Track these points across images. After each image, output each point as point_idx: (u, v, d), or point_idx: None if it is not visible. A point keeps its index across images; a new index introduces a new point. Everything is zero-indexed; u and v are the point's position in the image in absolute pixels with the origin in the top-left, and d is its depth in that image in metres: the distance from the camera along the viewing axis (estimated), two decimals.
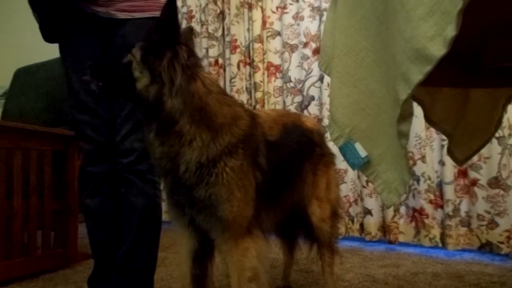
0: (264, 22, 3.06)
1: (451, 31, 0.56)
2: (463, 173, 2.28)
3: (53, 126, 2.38)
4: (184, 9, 3.48)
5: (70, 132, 2.17)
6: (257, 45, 3.09)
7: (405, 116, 0.69)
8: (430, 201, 2.36)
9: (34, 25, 1.47)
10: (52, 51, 1.76)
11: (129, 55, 1.10)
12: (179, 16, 3.41)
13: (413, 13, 0.61)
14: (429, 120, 1.25)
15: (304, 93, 2.87)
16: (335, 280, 1.49)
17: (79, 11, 1.42)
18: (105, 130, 1.48)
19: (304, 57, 2.85)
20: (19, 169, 2.00)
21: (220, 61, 3.30)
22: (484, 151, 2.12)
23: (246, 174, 1.12)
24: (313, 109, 2.83)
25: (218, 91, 1.14)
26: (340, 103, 0.89)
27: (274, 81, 3.01)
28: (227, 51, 3.24)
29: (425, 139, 2.39)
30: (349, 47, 0.86)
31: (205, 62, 3.34)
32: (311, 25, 2.83)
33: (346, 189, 2.63)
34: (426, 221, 2.35)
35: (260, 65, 3.07)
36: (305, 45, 2.85)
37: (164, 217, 1.63)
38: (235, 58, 3.18)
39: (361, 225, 2.61)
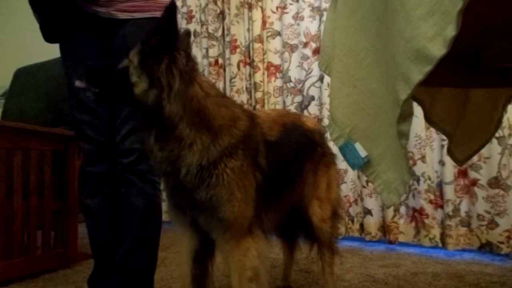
0: (264, 22, 3.06)
1: (451, 31, 0.56)
2: (463, 173, 2.28)
3: (53, 126, 2.38)
4: (184, 9, 3.48)
5: (70, 132, 2.17)
6: (257, 45, 3.09)
7: (405, 116, 0.69)
8: (430, 201, 2.36)
9: (34, 25, 1.47)
10: (52, 51, 1.76)
11: (125, 60, 1.10)
12: (179, 16, 3.42)
13: (413, 13, 0.61)
14: (429, 120, 1.25)
15: (304, 93, 2.87)
16: (335, 280, 1.49)
17: (79, 11, 1.42)
18: (105, 130, 1.48)
19: (304, 57, 2.85)
20: (19, 169, 2.00)
21: (220, 61, 3.30)
22: (484, 151, 2.12)
23: (246, 174, 1.12)
24: (313, 109, 2.83)
25: (216, 94, 1.15)
26: (340, 103, 0.89)
27: (274, 81, 3.01)
28: (227, 51, 3.24)
29: (425, 139, 2.39)
30: (349, 47, 0.86)
31: (205, 62, 3.35)
32: (311, 25, 2.83)
33: (346, 189, 2.63)
34: (426, 221, 2.35)
35: (260, 65, 3.07)
36: (305, 45, 2.85)
37: (164, 217, 1.63)
38: (235, 58, 3.18)
39: (361, 225, 2.61)
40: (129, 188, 1.46)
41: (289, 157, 1.33)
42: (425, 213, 2.36)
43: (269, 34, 3.03)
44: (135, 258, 1.45)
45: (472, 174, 2.26)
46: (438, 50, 0.58)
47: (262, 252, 1.14)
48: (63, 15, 1.43)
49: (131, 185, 1.45)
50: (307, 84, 2.85)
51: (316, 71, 2.80)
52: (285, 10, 2.95)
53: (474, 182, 2.25)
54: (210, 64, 3.31)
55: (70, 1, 1.40)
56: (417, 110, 1.22)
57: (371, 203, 2.53)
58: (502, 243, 2.14)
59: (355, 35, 0.84)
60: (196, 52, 3.40)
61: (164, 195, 1.39)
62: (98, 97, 1.16)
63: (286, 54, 2.94)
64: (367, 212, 2.54)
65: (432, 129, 2.34)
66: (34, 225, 2.09)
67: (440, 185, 2.34)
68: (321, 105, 2.77)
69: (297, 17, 2.90)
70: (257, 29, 3.09)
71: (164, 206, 1.59)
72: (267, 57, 3.03)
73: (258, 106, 3.03)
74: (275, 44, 3.02)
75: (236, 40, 3.18)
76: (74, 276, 2.06)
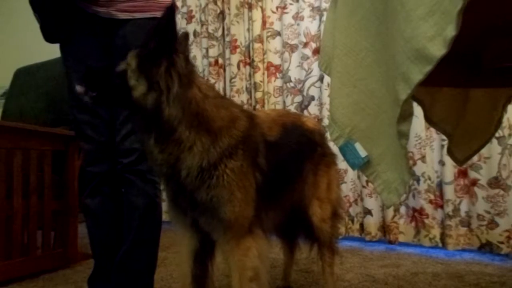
0: (264, 22, 3.06)
1: (451, 31, 0.56)
2: (463, 173, 2.28)
3: (53, 126, 2.38)
4: (184, 9, 3.48)
5: (70, 132, 2.17)
6: (257, 45, 3.09)
7: (405, 116, 0.69)
8: (430, 201, 2.36)
9: (34, 25, 1.47)
10: (52, 51, 1.76)
11: (123, 63, 1.09)
12: (179, 16, 3.42)
13: (413, 13, 0.61)
14: (429, 120, 1.25)
15: (304, 93, 2.87)
16: (335, 280, 1.49)
17: (80, 11, 1.42)
18: (105, 130, 1.48)
19: (304, 57, 2.85)
20: (19, 169, 2.00)
21: (220, 61, 3.30)
22: (484, 151, 2.12)
23: (246, 174, 1.13)
24: (313, 109, 2.83)
25: (215, 95, 1.15)
26: (340, 103, 0.89)
27: (274, 81, 3.01)
28: (227, 51, 3.24)
29: (425, 139, 2.39)
30: (349, 47, 0.86)
31: (205, 62, 3.35)
32: (311, 25, 2.83)
33: (346, 189, 2.63)
34: (426, 221, 2.35)
35: (260, 65, 3.07)
36: (305, 45, 2.85)
37: (164, 217, 1.63)
38: (235, 58, 3.18)
39: (361, 225, 2.61)
40: (129, 188, 1.46)
41: (289, 157, 1.33)
42: (425, 213, 2.36)
43: (269, 34, 3.03)
44: (135, 258, 1.45)
45: (472, 174, 2.26)
46: (438, 50, 0.58)
47: (263, 252, 1.14)
48: (63, 15, 1.43)
49: (131, 185, 1.45)
50: (307, 84, 2.85)
51: (316, 71, 2.80)
52: (285, 10, 2.95)
53: (474, 182, 2.25)
54: (210, 64, 3.31)
55: (70, 1, 1.40)
56: (417, 110, 1.22)
57: (371, 203, 2.53)
58: (502, 243, 2.14)
59: (355, 35, 0.84)
60: (196, 52, 3.41)
61: (164, 195, 1.39)
62: (95, 101, 1.15)
63: (286, 54, 2.94)
64: (367, 212, 2.54)
65: (432, 129, 2.34)
66: (34, 225, 2.09)
67: (440, 185, 2.34)
68: (321, 105, 2.77)
69: (297, 17, 2.90)
70: (257, 29, 3.09)
71: (164, 206, 1.59)
72: (267, 57, 3.03)
73: (258, 106, 3.03)
74: (275, 44, 3.02)
75: (236, 40, 3.18)
76: (74, 276, 2.06)
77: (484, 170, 2.22)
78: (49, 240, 2.20)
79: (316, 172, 1.45)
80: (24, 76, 2.90)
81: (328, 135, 1.21)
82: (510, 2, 0.76)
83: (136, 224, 1.45)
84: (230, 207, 1.09)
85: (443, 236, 2.31)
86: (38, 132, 2.17)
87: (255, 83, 3.08)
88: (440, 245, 2.32)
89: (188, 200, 1.12)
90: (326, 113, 2.69)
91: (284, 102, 2.95)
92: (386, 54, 0.74)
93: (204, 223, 1.14)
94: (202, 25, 3.37)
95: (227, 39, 3.24)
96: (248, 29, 3.15)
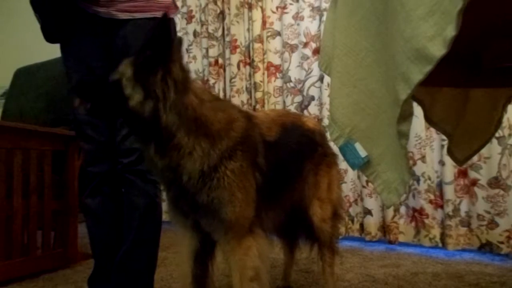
0: (264, 22, 3.06)
1: (451, 31, 0.56)
2: (463, 173, 2.28)
3: (53, 126, 2.38)
4: (184, 9, 3.48)
5: (70, 132, 2.17)
6: (257, 45, 3.09)
7: (405, 116, 0.69)
8: (430, 201, 2.36)
9: (34, 25, 1.47)
10: (52, 51, 1.76)
11: (116, 71, 1.09)
12: (179, 16, 3.42)
13: (413, 13, 0.61)
14: (429, 120, 1.25)
15: (304, 93, 2.87)
16: (335, 280, 1.49)
17: (80, 11, 1.42)
18: (106, 130, 1.48)
19: (304, 57, 2.85)
20: (19, 169, 2.00)
21: (220, 61, 3.30)
22: (484, 151, 2.12)
23: (246, 175, 1.13)
24: (313, 109, 2.83)
25: (211, 99, 1.15)
26: (340, 103, 0.89)
27: (274, 81, 3.01)
28: (227, 51, 3.24)
29: (425, 139, 2.39)
30: (349, 47, 0.86)
31: (205, 62, 3.35)
32: (311, 25, 2.83)
33: (346, 189, 2.63)
34: (426, 221, 2.35)
35: (260, 65, 3.07)
36: (305, 45, 2.85)
37: (164, 217, 1.63)
38: (235, 58, 3.18)
39: (361, 225, 2.61)
40: (130, 188, 1.46)
41: (289, 157, 1.33)
42: (425, 213, 2.36)
43: (269, 34, 3.03)
44: (135, 258, 1.45)
45: (472, 174, 2.26)
46: (438, 50, 0.58)
47: (263, 252, 1.14)
48: (64, 16, 1.43)
49: (132, 185, 1.45)
50: (307, 84, 2.85)
51: (316, 71, 2.80)
52: (285, 10, 2.95)
53: (474, 182, 2.25)
54: (210, 64, 3.31)
55: (71, 2, 1.40)
56: (417, 110, 1.22)
57: (371, 203, 2.53)
58: (502, 243, 2.14)
59: (355, 35, 0.84)
60: (196, 52, 3.41)
61: (164, 196, 1.39)
62: (90, 111, 1.15)
63: (286, 54, 2.94)
64: (367, 212, 2.54)
65: (432, 129, 2.34)
66: (34, 225, 2.09)
67: (440, 185, 2.34)
68: (321, 105, 2.77)
69: (297, 17, 2.90)
70: (257, 29, 3.09)
71: (164, 206, 1.59)
72: (267, 57, 3.03)
73: (258, 106, 3.03)
74: (275, 44, 3.02)
75: (236, 40, 3.18)
76: (74, 276, 2.06)
77: (484, 170, 2.22)
78: (49, 240, 2.20)
79: (317, 172, 1.45)
80: (24, 76, 2.91)
81: (328, 135, 1.21)
82: (510, 2, 0.76)
83: (136, 224, 1.45)
84: (231, 208, 1.09)
85: (443, 236, 2.31)
86: (38, 132, 2.17)
87: (255, 83, 3.08)
88: (440, 245, 2.32)
89: (189, 202, 1.12)
90: (326, 113, 2.69)
91: (284, 102, 2.95)
92: (386, 54, 0.74)
93: (205, 224, 1.15)
94: (202, 25, 3.37)
95: (227, 39, 3.24)
96: (248, 29, 3.15)
